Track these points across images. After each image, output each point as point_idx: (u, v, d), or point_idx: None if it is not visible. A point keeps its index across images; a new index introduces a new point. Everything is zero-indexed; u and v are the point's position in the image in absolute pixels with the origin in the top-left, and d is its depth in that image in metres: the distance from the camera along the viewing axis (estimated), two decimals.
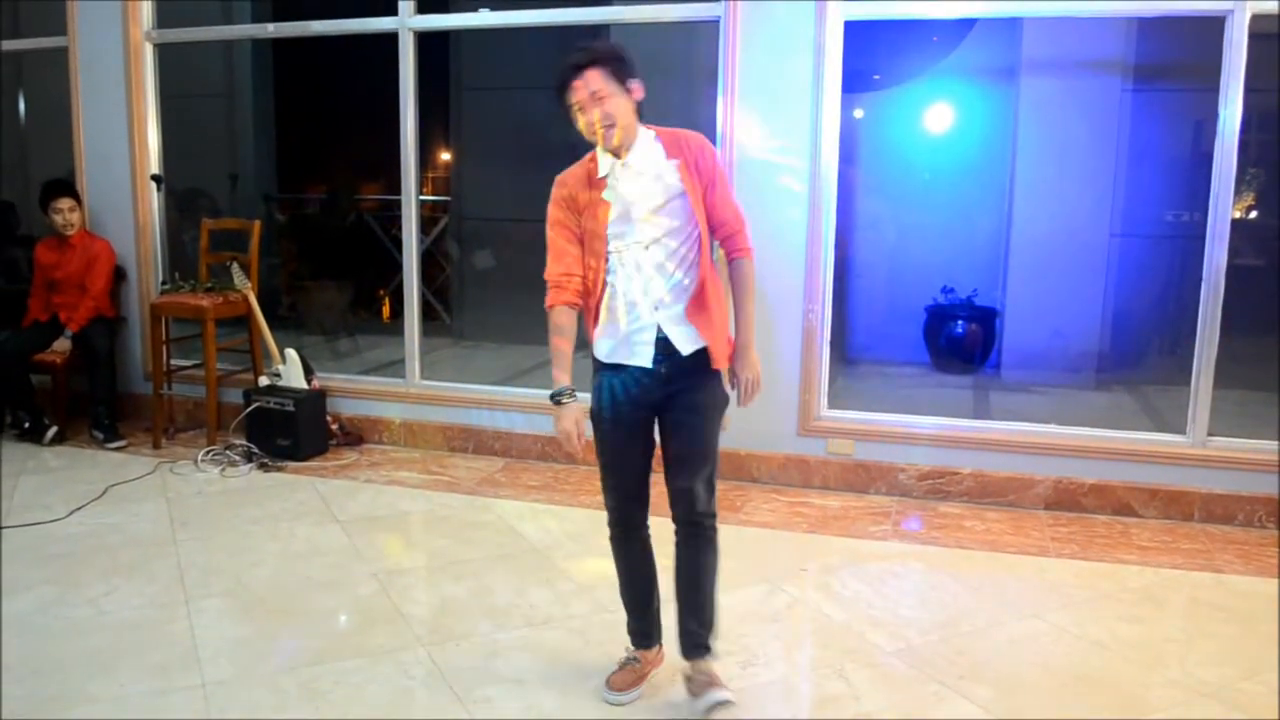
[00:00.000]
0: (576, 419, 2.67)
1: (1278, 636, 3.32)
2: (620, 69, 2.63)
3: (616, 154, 2.67)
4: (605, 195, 2.68)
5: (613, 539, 2.89)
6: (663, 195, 2.65)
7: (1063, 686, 2.99)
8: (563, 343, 2.71)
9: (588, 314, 2.77)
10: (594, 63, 2.60)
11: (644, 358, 2.69)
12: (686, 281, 2.68)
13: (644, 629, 2.97)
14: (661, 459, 2.78)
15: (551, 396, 2.67)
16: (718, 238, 2.75)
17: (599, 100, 2.59)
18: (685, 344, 2.68)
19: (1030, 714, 2.84)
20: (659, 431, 2.80)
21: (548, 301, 2.73)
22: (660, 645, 3.00)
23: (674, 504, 2.80)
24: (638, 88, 2.67)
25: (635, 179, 2.66)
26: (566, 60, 2.62)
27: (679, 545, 2.83)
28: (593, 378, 2.80)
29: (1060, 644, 3.26)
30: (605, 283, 2.71)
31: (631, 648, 2.99)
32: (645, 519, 2.87)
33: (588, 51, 2.62)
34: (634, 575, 2.91)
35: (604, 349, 2.75)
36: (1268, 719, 2.82)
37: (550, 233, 2.75)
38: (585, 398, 2.73)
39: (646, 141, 2.69)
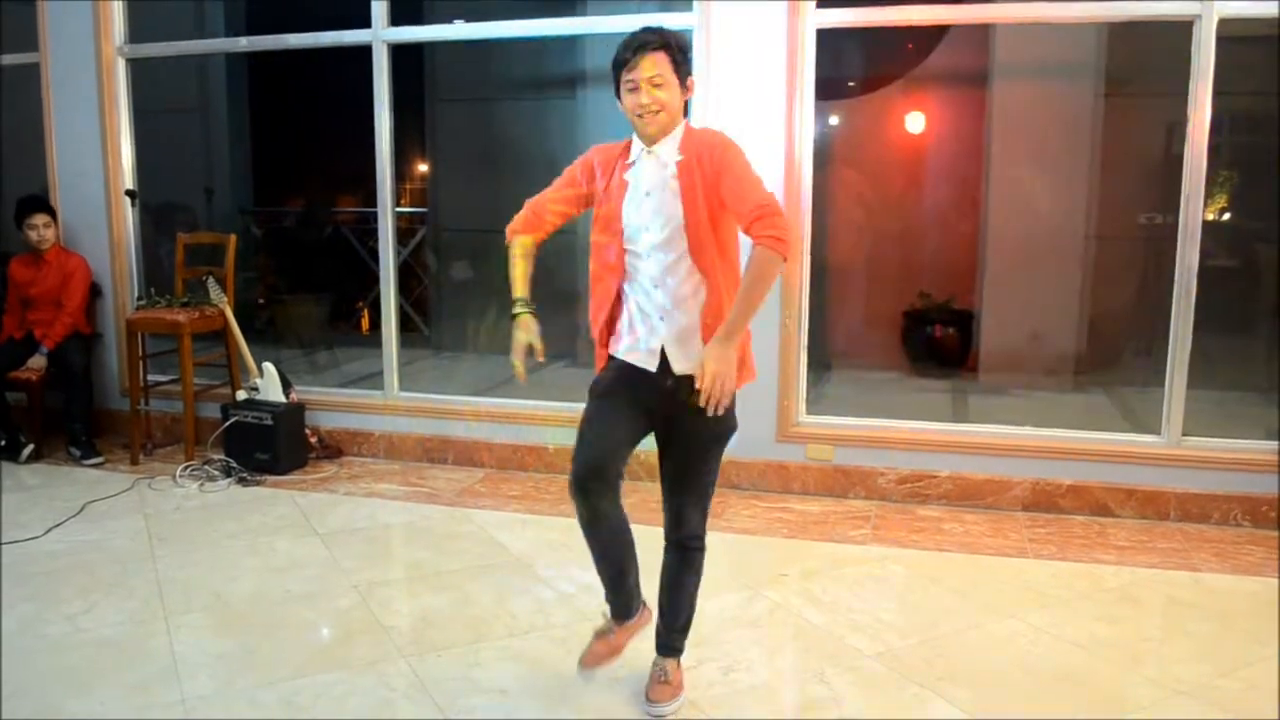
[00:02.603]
0: (532, 333, 2.66)
1: (1278, 634, 3.35)
2: (684, 62, 2.59)
3: (648, 142, 2.62)
4: (627, 176, 2.64)
5: (575, 501, 2.60)
6: (662, 188, 2.59)
7: (1042, 687, 3.01)
8: (519, 262, 2.75)
9: (598, 326, 2.75)
10: (664, 47, 2.55)
11: (649, 362, 2.66)
12: (687, 296, 2.61)
13: (619, 602, 2.83)
14: (660, 478, 2.78)
15: (512, 316, 2.69)
16: (741, 228, 2.49)
17: (655, 85, 2.53)
18: (680, 363, 2.63)
19: (1010, 714, 2.85)
20: (660, 450, 2.77)
21: (508, 229, 2.80)
22: (641, 610, 2.89)
23: (666, 521, 2.79)
24: (692, 85, 2.64)
25: (655, 168, 2.61)
26: (636, 36, 2.56)
27: (666, 557, 2.83)
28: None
29: (1039, 644, 3.28)
30: (623, 293, 2.67)
31: (607, 618, 2.89)
32: (607, 496, 2.60)
33: (660, 34, 2.56)
34: (601, 552, 2.72)
35: (619, 348, 2.71)
36: (1245, 716, 2.85)
37: (557, 181, 2.79)
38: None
39: (677, 135, 2.63)
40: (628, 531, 2.72)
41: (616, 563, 2.75)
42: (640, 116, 2.56)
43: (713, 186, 2.53)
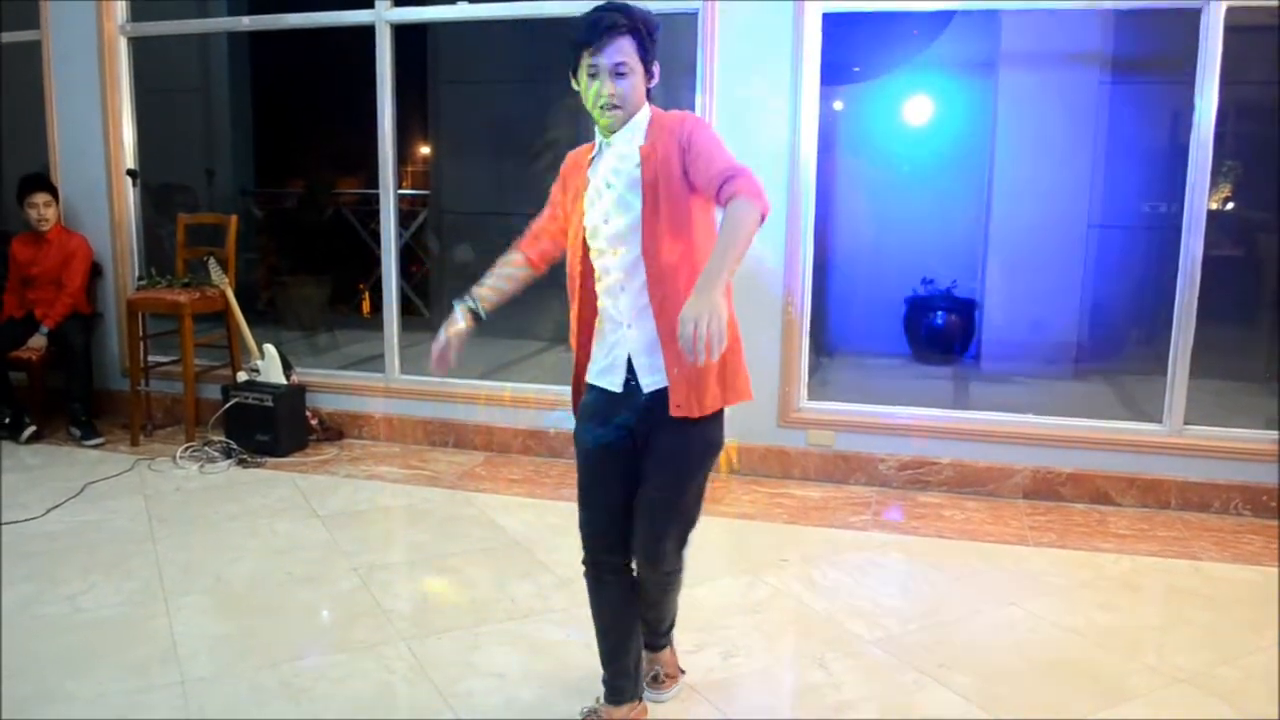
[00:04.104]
0: (454, 331, 2.56)
1: (1279, 623, 3.35)
2: (650, 47, 2.33)
3: (607, 134, 2.39)
4: (589, 173, 2.43)
5: (585, 576, 2.58)
6: (622, 178, 2.36)
7: (1041, 674, 3.01)
8: (497, 269, 2.66)
9: (580, 329, 2.52)
10: (632, 31, 2.28)
11: (614, 382, 2.44)
12: (646, 302, 2.37)
13: (616, 684, 2.62)
14: (635, 503, 2.49)
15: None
16: (712, 197, 2.27)
17: (619, 75, 2.29)
18: (648, 376, 2.40)
19: (1009, 701, 2.85)
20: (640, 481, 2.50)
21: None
22: (638, 702, 2.67)
23: (635, 550, 2.50)
24: (656, 72, 2.38)
25: (615, 159, 2.38)
26: (600, 15, 2.28)
27: (642, 583, 2.58)
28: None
29: (1038, 632, 3.28)
30: (595, 302, 2.47)
31: (601, 700, 2.66)
32: (621, 562, 2.53)
33: (628, 15, 2.28)
34: (605, 622, 2.59)
35: (592, 370, 2.51)
36: (1243, 705, 2.85)
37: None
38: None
39: (640, 122, 2.37)
40: (634, 606, 2.60)
41: (618, 635, 2.60)
42: (600, 108, 2.32)
43: (678, 170, 2.30)
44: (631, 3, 2.34)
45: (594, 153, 2.45)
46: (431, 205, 8.84)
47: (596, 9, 2.31)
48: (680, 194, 2.31)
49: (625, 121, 2.36)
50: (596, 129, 2.42)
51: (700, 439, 2.42)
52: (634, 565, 2.54)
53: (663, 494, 2.43)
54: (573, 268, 2.50)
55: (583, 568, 2.58)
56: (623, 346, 2.42)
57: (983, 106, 6.90)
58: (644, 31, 2.31)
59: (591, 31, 2.27)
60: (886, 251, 7.51)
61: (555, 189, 2.60)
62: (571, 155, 2.57)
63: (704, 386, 2.35)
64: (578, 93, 2.40)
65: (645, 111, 2.39)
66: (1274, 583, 3.68)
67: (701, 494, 2.52)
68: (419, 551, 4.01)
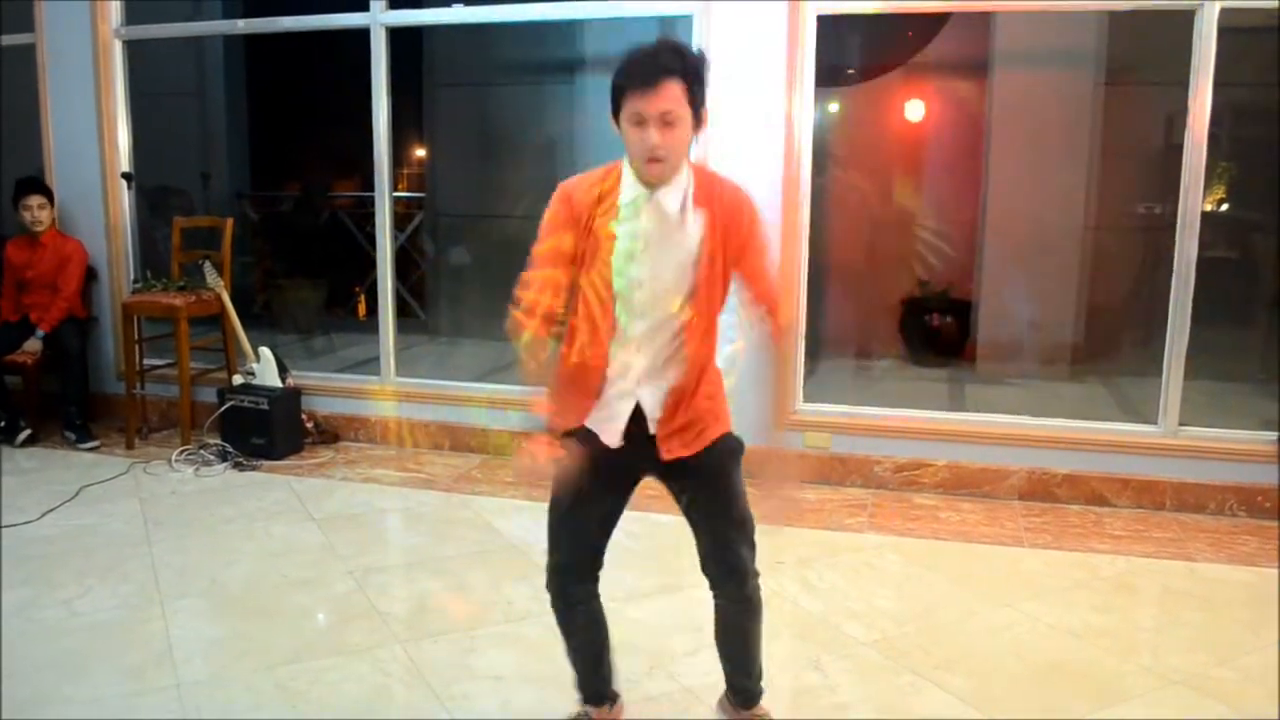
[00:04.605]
0: (551, 447, 2.27)
1: (1278, 623, 3.36)
2: (701, 91, 2.10)
3: (647, 186, 2.15)
4: (614, 226, 2.17)
5: (551, 603, 2.50)
6: (678, 246, 2.17)
7: (1036, 675, 3.02)
8: (542, 371, 2.31)
9: (578, 374, 2.31)
10: (684, 74, 2.06)
11: (611, 434, 2.30)
12: (675, 352, 2.25)
13: (595, 687, 2.60)
14: (694, 530, 2.42)
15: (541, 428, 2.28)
16: (752, 303, 2.28)
17: (668, 124, 2.06)
18: (656, 411, 2.28)
19: (1004, 703, 2.86)
20: (682, 505, 2.41)
21: (518, 325, 2.24)
22: (616, 698, 2.66)
23: (714, 573, 2.43)
24: (706, 116, 2.14)
25: (659, 217, 2.16)
26: (650, 54, 2.06)
27: (723, 610, 2.49)
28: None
29: (1033, 633, 3.29)
30: (610, 353, 2.26)
31: (582, 704, 2.63)
32: (588, 593, 2.49)
33: (680, 55, 2.07)
34: (578, 643, 2.54)
35: (593, 416, 2.33)
36: (1239, 706, 2.85)
37: (539, 248, 2.23)
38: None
39: (683, 177, 2.17)
40: (603, 615, 2.53)
41: (592, 647, 2.55)
42: (646, 162, 2.09)
43: (732, 253, 2.20)
44: (680, 41, 2.16)
45: (623, 198, 2.19)
46: (427, 208, 8.83)
47: (646, 47, 2.08)
48: (725, 271, 2.23)
49: (670, 176, 2.15)
50: (631, 172, 2.18)
51: (727, 441, 2.36)
52: (717, 595, 2.47)
53: (721, 502, 2.36)
54: (589, 315, 2.24)
55: (548, 590, 2.50)
56: (628, 400, 2.28)
57: (977, 108, 6.90)
58: (697, 74, 2.09)
59: (639, 76, 2.05)
60: (882, 253, 7.51)
61: (556, 237, 2.22)
62: (571, 188, 2.24)
63: (695, 433, 2.30)
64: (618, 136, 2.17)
65: (687, 169, 2.19)
66: (1270, 583, 3.68)
67: (743, 492, 2.39)
68: (415, 554, 4.01)
